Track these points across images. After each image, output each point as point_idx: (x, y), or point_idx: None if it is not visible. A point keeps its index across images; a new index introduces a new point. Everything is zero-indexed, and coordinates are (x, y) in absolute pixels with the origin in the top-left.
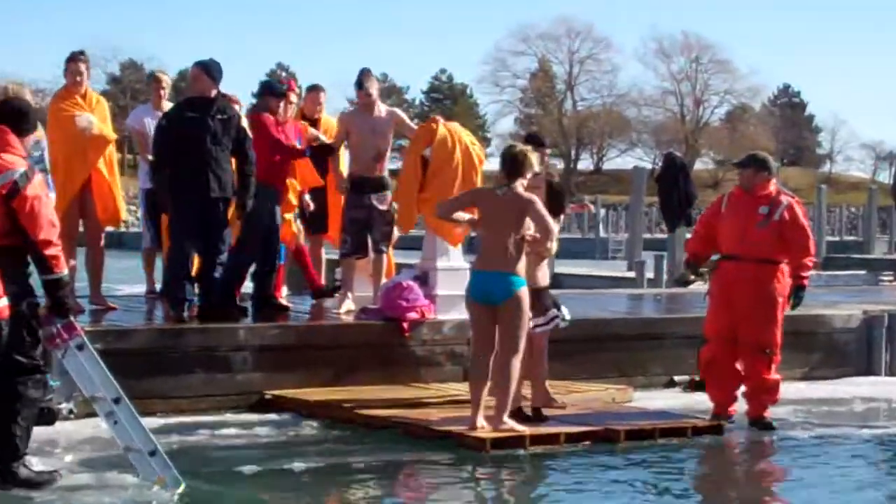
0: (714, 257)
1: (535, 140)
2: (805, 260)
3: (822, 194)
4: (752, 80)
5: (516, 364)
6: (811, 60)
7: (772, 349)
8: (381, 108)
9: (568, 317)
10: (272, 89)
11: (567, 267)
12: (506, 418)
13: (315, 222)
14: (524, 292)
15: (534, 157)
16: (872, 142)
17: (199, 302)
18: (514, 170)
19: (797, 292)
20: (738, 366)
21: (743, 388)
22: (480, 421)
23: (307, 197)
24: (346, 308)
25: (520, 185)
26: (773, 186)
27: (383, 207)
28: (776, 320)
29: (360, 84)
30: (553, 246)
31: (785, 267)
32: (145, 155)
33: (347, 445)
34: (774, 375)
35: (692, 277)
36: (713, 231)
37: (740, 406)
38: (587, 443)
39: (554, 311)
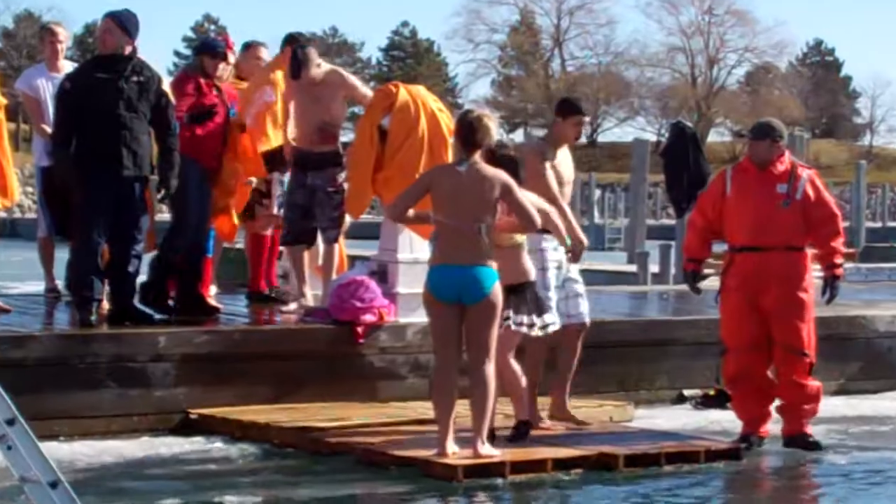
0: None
1: (569, 107)
2: (836, 243)
3: (861, 172)
4: (777, 35)
5: (492, 372)
6: (847, 11)
7: (809, 351)
8: (322, 71)
9: (551, 324)
10: (208, 48)
11: None
12: (486, 443)
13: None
14: (498, 288)
15: (492, 124)
16: None
17: (110, 302)
18: (470, 139)
19: (832, 283)
20: (770, 375)
21: (777, 402)
22: (451, 445)
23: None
24: (293, 307)
25: (480, 159)
26: (787, 158)
27: (330, 188)
28: (810, 317)
29: (290, 43)
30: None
31: (809, 253)
32: (41, 126)
33: (290, 475)
34: (814, 382)
35: (699, 286)
36: (716, 221)
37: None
38: (579, 470)
39: (532, 319)
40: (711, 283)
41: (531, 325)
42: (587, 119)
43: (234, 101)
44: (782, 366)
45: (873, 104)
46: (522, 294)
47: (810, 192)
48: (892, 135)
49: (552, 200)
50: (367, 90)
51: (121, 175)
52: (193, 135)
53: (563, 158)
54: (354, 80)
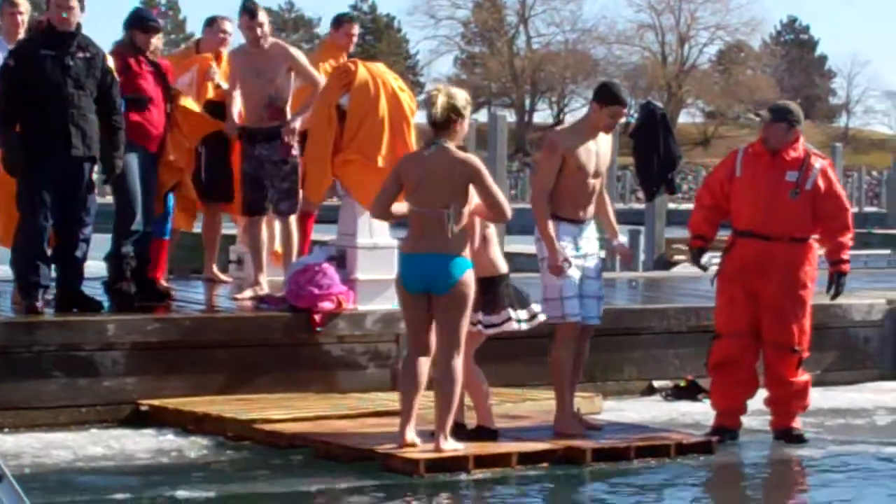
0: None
1: (609, 96)
2: (844, 238)
3: (836, 154)
4: (750, 12)
5: (460, 366)
6: None
7: (801, 346)
8: (269, 44)
9: (539, 316)
10: (138, 21)
11: (517, 244)
12: (449, 438)
13: (214, 188)
14: (469, 277)
15: (454, 100)
16: None
17: (57, 287)
18: (441, 121)
19: (838, 280)
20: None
21: (766, 395)
22: (412, 436)
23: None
24: (248, 293)
25: (452, 143)
26: (801, 146)
27: (277, 158)
28: (807, 312)
29: (246, 11)
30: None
31: (814, 245)
32: None
33: (245, 469)
34: (803, 377)
35: (704, 263)
36: (724, 201)
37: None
38: (545, 465)
39: (508, 313)
40: (684, 268)
41: (507, 320)
42: (625, 112)
43: (170, 72)
44: (771, 360)
45: (849, 84)
46: (494, 289)
47: (821, 184)
48: (869, 116)
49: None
50: (308, 68)
51: (69, 155)
52: (129, 121)
53: (598, 146)
54: (297, 52)
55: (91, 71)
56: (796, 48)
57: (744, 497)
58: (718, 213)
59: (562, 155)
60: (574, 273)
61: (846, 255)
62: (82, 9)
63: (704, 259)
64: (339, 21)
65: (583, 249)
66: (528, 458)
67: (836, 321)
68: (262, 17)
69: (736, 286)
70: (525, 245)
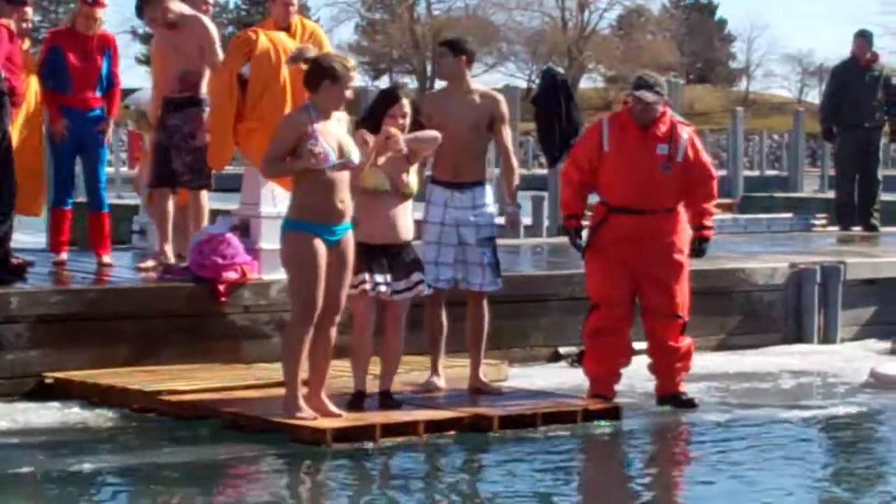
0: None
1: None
2: (708, 205)
3: (737, 118)
4: None
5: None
6: None
7: (683, 312)
8: (181, 15)
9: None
10: None
11: (418, 212)
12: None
13: None
14: (289, 235)
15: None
16: (799, 53)
17: None
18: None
19: (699, 245)
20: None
21: (649, 362)
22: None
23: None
24: (151, 264)
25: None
26: (668, 117)
27: (186, 130)
28: (685, 278)
29: None
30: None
31: (682, 212)
32: None
33: (151, 441)
34: (685, 341)
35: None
36: (591, 175)
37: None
38: (452, 432)
39: (418, 276)
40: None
41: (419, 283)
42: (460, 58)
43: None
44: (654, 329)
45: (749, 48)
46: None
47: (690, 154)
48: (769, 80)
49: None
50: (213, 41)
51: None
52: None
53: (455, 103)
54: (214, 37)
55: None
56: (696, 12)
57: (647, 461)
58: (587, 188)
59: (427, 114)
60: (432, 238)
61: (709, 221)
62: None
63: (583, 239)
64: None
65: (453, 216)
66: (435, 426)
67: (739, 285)
68: None
69: (611, 256)
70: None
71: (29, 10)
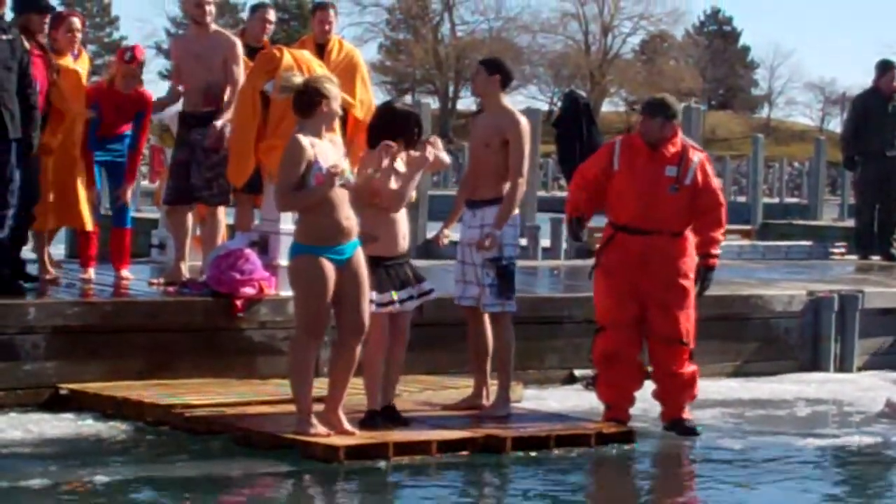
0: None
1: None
2: (716, 233)
3: (758, 145)
4: (674, 3)
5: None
6: None
7: (689, 338)
8: (214, 32)
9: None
10: (33, 2)
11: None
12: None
13: None
14: (297, 260)
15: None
16: (821, 81)
17: None
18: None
19: (705, 275)
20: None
21: (654, 388)
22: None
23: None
24: (170, 278)
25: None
26: (679, 139)
27: (208, 146)
28: (691, 303)
29: None
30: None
31: (690, 236)
32: None
33: (164, 455)
34: (690, 368)
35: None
36: (596, 194)
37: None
38: (465, 452)
39: (428, 285)
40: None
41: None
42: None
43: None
44: (659, 355)
45: (771, 75)
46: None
47: (699, 178)
48: (791, 107)
49: None
50: (241, 69)
51: (6, 138)
52: None
53: (480, 121)
54: (239, 52)
55: (15, 52)
56: (719, 39)
57: (661, 486)
58: (596, 199)
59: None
60: (458, 256)
61: (716, 250)
62: None
63: (585, 231)
64: (253, 8)
65: (464, 233)
66: (448, 446)
67: (756, 312)
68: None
69: (617, 279)
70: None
71: (75, 20)
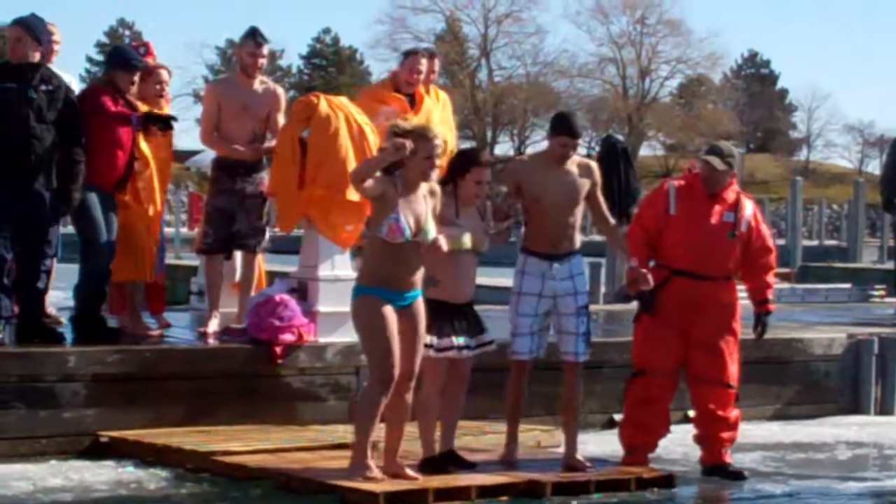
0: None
1: (556, 124)
2: (769, 278)
3: (797, 188)
4: (711, 46)
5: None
6: (782, 22)
7: (735, 382)
8: (260, 82)
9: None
10: (122, 61)
11: (480, 277)
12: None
13: None
14: (358, 301)
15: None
16: (859, 124)
17: (19, 319)
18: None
19: (764, 319)
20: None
21: (695, 432)
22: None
23: None
24: (211, 328)
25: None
26: (735, 187)
27: (257, 194)
28: (737, 347)
29: (255, 38)
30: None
31: (736, 281)
32: None
33: (204, 502)
34: (735, 411)
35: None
36: (655, 237)
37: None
38: (505, 498)
39: (489, 336)
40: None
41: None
42: (577, 143)
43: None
44: (704, 398)
45: (810, 118)
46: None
47: (752, 224)
48: (829, 150)
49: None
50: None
51: (31, 187)
52: (90, 161)
53: (562, 177)
54: (283, 105)
55: (54, 103)
56: (757, 82)
57: None
58: (650, 249)
59: (517, 182)
60: (528, 309)
61: (771, 294)
62: (42, 41)
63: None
64: (405, 54)
65: (552, 286)
66: (487, 492)
67: (796, 355)
68: (266, 50)
69: (667, 325)
70: (487, 277)
71: (163, 72)
